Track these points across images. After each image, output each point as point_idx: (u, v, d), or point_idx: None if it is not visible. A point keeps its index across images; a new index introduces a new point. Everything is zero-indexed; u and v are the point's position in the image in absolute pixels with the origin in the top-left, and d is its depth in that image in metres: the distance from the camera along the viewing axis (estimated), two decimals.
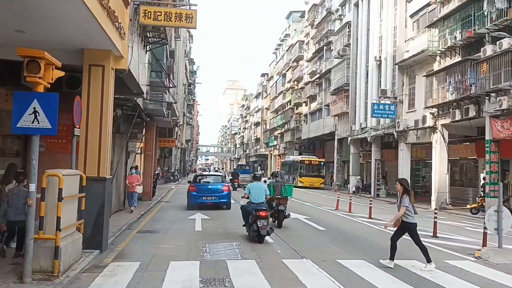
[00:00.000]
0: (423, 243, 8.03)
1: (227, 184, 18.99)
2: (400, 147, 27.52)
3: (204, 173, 27.97)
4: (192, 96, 66.84)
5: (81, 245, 7.86)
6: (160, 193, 25.52)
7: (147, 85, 14.67)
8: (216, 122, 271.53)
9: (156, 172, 23.61)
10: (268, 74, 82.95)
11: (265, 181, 14.61)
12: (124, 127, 13.59)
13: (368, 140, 32.19)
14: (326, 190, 39.08)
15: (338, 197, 19.53)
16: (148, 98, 17.30)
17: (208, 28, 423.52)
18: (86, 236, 8.14)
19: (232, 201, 18.42)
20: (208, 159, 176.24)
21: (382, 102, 28.28)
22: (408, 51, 26.78)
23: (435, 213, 11.85)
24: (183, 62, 42.45)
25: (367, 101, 32.44)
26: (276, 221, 12.82)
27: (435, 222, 11.64)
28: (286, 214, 12.97)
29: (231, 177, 34.39)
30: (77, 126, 8.30)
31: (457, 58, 21.44)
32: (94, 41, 8.35)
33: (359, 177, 35.78)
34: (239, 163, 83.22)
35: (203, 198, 17.55)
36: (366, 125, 32.51)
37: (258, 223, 9.76)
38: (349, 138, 36.01)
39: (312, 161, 41.11)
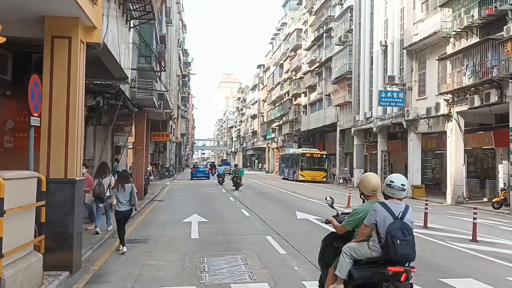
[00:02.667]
0: (461, 249, 6.20)
1: (208, 169, 45.67)
2: (409, 137, 25.75)
3: (198, 163, 52.25)
4: (187, 89, 64.85)
5: (41, 269, 6.04)
6: (153, 191, 23.69)
7: (133, 69, 12.79)
8: (211, 116, 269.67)
9: (148, 168, 21.74)
10: (264, 65, 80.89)
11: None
12: (107, 118, 11.74)
13: (374, 131, 30.40)
14: (328, 184, 37.39)
15: (350, 193, 17.70)
16: (136, 86, 15.42)
17: (202, 21, 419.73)
18: (51, 255, 6.31)
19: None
20: (204, 153, 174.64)
21: (389, 89, 26.49)
22: (417, 34, 24.94)
23: (474, 213, 10.03)
24: (176, 52, 40.49)
25: (372, 90, 30.66)
26: (235, 186, 25.72)
27: (474, 224, 9.82)
28: (241, 184, 26.05)
29: (210, 168, 50.60)
30: (35, 114, 6.46)
31: (475, 39, 19.63)
32: (56, 5, 6.50)
33: (346, 168, 35.82)
34: (223, 158, 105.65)
35: (197, 174, 41.59)
36: (371, 115, 30.72)
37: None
38: (353, 129, 34.22)
39: (314, 154, 39.35)
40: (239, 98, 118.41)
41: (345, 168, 35.98)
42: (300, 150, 41.11)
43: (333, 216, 4.84)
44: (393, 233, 3.86)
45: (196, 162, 70.82)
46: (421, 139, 25.77)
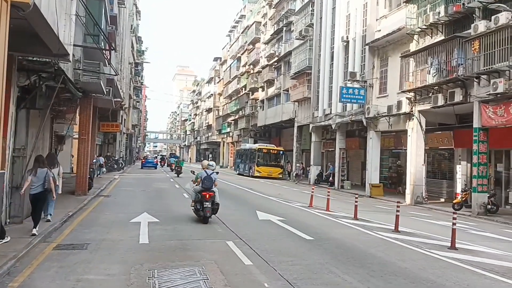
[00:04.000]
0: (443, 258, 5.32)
1: (156, 160, 56.05)
2: (369, 135, 25.33)
3: (148, 156, 63.00)
4: (140, 78, 62.08)
5: None
6: (99, 185, 21.83)
7: (76, 45, 11.13)
8: (165, 108, 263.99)
9: (94, 160, 19.88)
10: (221, 58, 79.33)
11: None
12: (43, 102, 10.05)
13: (333, 128, 29.89)
14: (285, 180, 36.67)
15: (313, 191, 16.79)
16: (81, 68, 13.68)
17: (158, 11, 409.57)
18: None
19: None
20: (156, 146, 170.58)
21: (349, 86, 25.94)
22: (380, 30, 24.51)
23: (454, 218, 9.28)
24: (129, 38, 38.22)
25: (332, 86, 30.12)
26: (177, 174, 33.13)
27: (453, 230, 9.05)
28: (181, 172, 33.51)
29: (160, 160, 59.24)
30: None
31: (440, 37, 19.30)
32: None
33: (298, 164, 36.49)
34: (171, 152, 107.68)
35: (147, 165, 48.81)
36: (331, 112, 30.17)
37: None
38: (311, 125, 33.61)
39: (271, 150, 38.46)
40: (194, 91, 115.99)
41: (297, 164, 36.47)
42: (256, 146, 40.11)
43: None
44: (204, 179, 11.42)
45: (147, 155, 73.44)
46: (380, 137, 25.45)
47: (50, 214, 10.30)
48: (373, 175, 24.98)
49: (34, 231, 8.69)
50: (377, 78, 25.05)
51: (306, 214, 14.23)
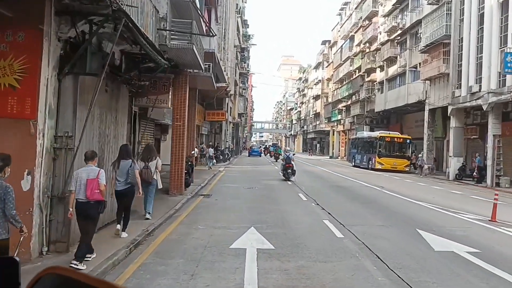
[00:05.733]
0: None
1: (261, 149, 64.11)
2: None
3: (254, 146, 67.80)
4: (246, 66, 59.39)
5: None
6: (201, 180, 18.72)
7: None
8: (270, 98, 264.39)
9: (193, 152, 16.65)
10: (330, 40, 73.72)
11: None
12: (97, 64, 6.47)
13: (484, 109, 23.41)
14: (412, 174, 30.81)
15: (496, 198, 11.31)
16: (168, 28, 10.13)
17: (260, 4, 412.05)
18: None
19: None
20: (262, 136, 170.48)
21: None
22: None
23: None
24: (234, 18, 35.11)
25: (482, 56, 23.62)
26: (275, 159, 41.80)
27: None
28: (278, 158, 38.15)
29: (263, 149, 64.46)
30: None
31: None
32: None
33: (420, 155, 31.27)
34: (273, 142, 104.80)
35: (253, 153, 57.91)
36: (480, 89, 23.69)
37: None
38: (450, 108, 27.24)
39: (395, 138, 32.69)
40: (300, 78, 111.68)
41: (419, 155, 31.51)
42: (377, 133, 34.53)
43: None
44: (286, 158, 21.33)
45: (253, 145, 78.13)
46: None
47: (149, 213, 9.56)
48: None
49: (124, 234, 7.70)
50: None
51: (502, 237, 9.08)
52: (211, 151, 28.46)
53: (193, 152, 16.56)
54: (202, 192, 15.41)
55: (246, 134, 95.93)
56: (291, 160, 20.55)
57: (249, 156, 56.72)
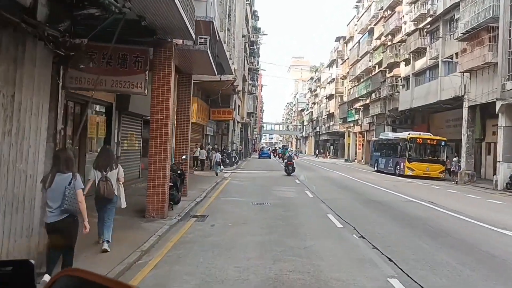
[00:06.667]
0: None
1: (270, 151, 68.77)
2: None
3: (264, 148, 69.40)
4: (256, 63, 55.13)
5: None
6: (199, 191, 14.66)
7: None
8: (280, 100, 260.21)
9: (183, 157, 12.49)
10: (345, 36, 69.30)
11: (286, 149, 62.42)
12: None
13: None
14: (447, 182, 26.47)
15: None
16: None
17: (267, 7, 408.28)
18: None
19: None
20: (272, 138, 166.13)
21: None
22: None
23: None
24: (241, 2, 31.02)
25: None
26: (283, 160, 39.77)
27: None
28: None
29: (272, 151, 69.70)
30: None
31: None
32: None
33: (455, 158, 26.79)
34: (283, 144, 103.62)
35: (263, 155, 58.69)
36: None
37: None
38: (499, 103, 22.83)
39: (428, 140, 28.35)
40: (312, 78, 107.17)
41: (454, 159, 27.09)
42: (406, 134, 30.16)
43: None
44: (287, 156, 28.85)
45: (263, 147, 77.59)
46: None
47: (108, 241, 6.76)
48: None
49: None
50: None
51: None
52: (218, 156, 24.43)
53: (183, 157, 12.39)
54: (195, 211, 11.30)
55: (256, 136, 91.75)
56: (292, 159, 26.88)
57: (259, 158, 57.43)
